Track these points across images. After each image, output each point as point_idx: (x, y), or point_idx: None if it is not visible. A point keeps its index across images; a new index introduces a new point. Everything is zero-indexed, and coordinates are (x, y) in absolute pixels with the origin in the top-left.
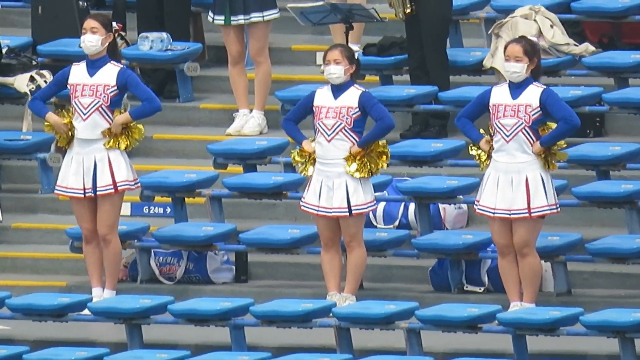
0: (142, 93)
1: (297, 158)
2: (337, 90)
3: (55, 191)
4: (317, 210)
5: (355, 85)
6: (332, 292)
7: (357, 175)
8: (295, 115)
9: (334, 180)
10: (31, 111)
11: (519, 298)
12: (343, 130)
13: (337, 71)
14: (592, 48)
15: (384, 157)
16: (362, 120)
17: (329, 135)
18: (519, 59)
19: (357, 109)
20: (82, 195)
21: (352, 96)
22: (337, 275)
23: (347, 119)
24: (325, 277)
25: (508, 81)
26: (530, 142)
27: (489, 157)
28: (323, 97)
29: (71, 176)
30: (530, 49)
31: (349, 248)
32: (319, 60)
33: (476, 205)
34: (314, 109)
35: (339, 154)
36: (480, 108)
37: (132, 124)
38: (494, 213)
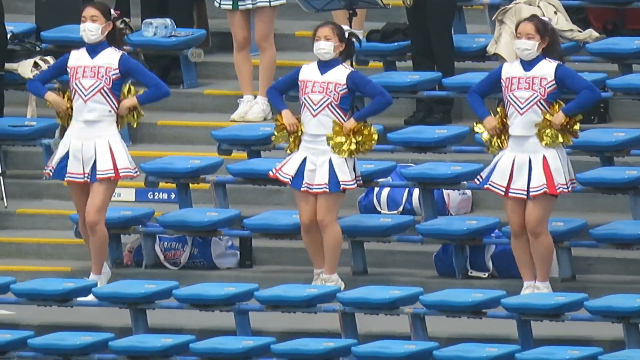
0: (149, 79)
1: (276, 133)
2: (324, 66)
3: (45, 170)
4: (298, 186)
5: (343, 64)
6: (319, 269)
7: (342, 154)
8: (280, 86)
9: (318, 157)
10: (30, 92)
11: (532, 277)
12: (329, 106)
13: (326, 47)
14: (596, 34)
15: (372, 142)
16: (348, 97)
17: (314, 110)
18: (530, 36)
19: (345, 86)
20: (82, 180)
21: (339, 73)
22: (322, 253)
23: (334, 94)
24: (311, 256)
25: (519, 59)
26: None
27: (498, 137)
28: (309, 72)
29: (71, 162)
30: (542, 27)
31: (323, 227)
32: None
33: (482, 181)
34: (299, 83)
35: (323, 130)
36: (493, 84)
37: (136, 110)
38: (505, 192)
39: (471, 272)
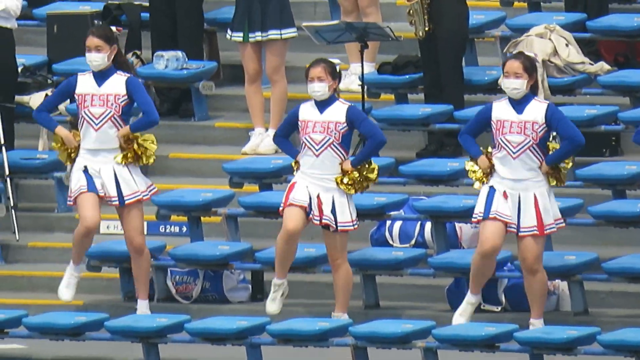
0: (143, 104)
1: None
2: (322, 104)
3: (69, 202)
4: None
5: (339, 99)
6: (280, 280)
7: (352, 191)
8: (283, 132)
9: (323, 194)
10: (38, 122)
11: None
12: (332, 146)
13: (320, 88)
14: (607, 67)
15: (373, 177)
16: (349, 135)
17: (317, 150)
18: (518, 75)
19: (345, 124)
20: (102, 194)
21: (339, 110)
22: (288, 266)
23: (335, 134)
24: (279, 264)
25: (507, 97)
26: (537, 159)
27: (485, 175)
28: (308, 112)
29: (93, 181)
30: (529, 65)
31: (335, 266)
32: None
33: (484, 214)
34: (299, 123)
35: (326, 169)
36: (483, 124)
37: (142, 137)
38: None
39: (484, 306)
